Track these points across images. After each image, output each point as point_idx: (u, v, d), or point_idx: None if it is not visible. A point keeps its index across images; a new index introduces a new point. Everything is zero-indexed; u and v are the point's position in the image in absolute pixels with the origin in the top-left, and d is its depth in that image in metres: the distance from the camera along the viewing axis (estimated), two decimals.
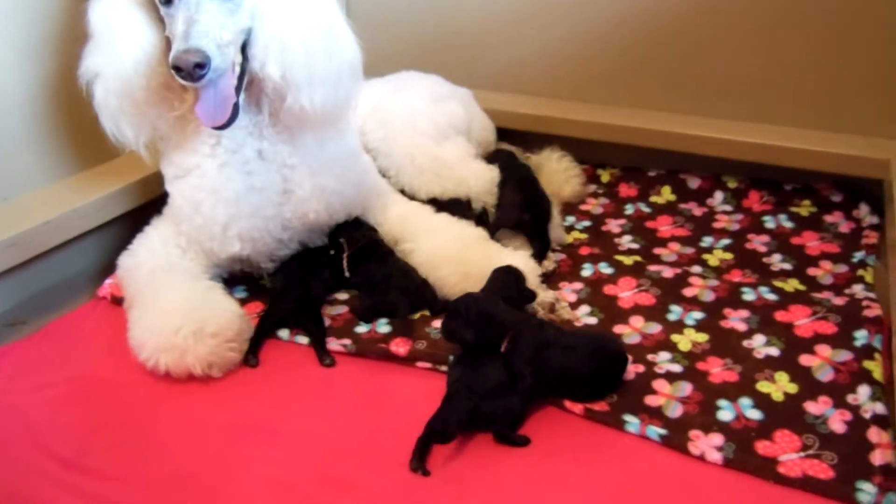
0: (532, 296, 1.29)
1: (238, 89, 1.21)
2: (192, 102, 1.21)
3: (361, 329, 1.32)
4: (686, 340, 1.26)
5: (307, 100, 1.24)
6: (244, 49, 1.22)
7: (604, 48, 1.84)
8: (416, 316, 1.34)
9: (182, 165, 1.32)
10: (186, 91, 1.25)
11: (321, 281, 1.39)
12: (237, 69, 1.21)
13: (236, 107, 1.20)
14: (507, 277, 1.28)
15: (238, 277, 1.46)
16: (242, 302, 1.38)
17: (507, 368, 1.12)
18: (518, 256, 1.38)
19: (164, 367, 1.21)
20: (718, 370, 1.19)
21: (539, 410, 1.14)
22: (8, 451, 1.12)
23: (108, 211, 1.52)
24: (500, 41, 1.95)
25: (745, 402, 1.12)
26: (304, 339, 1.31)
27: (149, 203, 1.55)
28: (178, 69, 1.11)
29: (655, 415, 1.11)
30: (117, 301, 1.42)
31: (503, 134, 1.91)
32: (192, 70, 1.11)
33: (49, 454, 1.11)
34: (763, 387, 1.15)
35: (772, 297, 1.35)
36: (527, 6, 1.88)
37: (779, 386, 1.15)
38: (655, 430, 1.08)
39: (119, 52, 1.20)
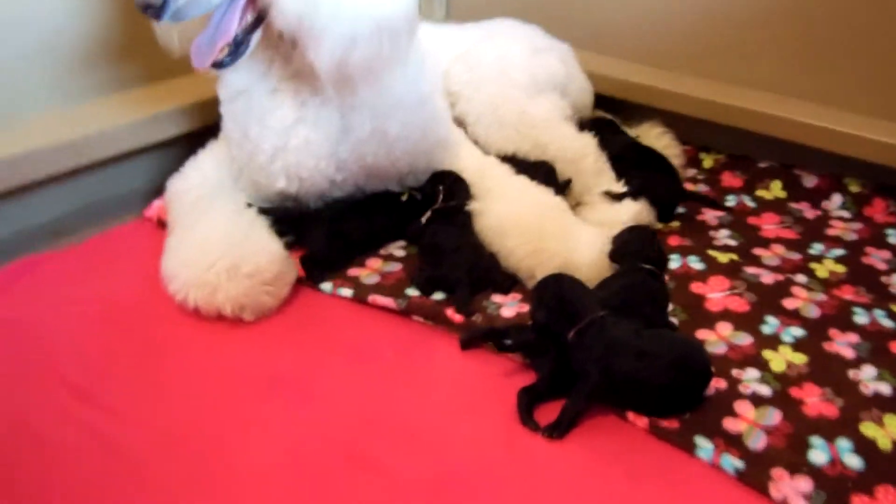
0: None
1: (253, 27, 1.10)
2: None
3: (413, 292, 1.20)
4: (780, 359, 1.09)
5: (313, 55, 1.09)
6: None
7: (722, 19, 1.64)
8: None
9: (234, 86, 1.21)
10: None
11: (366, 223, 1.29)
12: (259, 2, 1.09)
13: (240, 46, 1.09)
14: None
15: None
16: (288, 245, 1.27)
17: (568, 363, 0.99)
18: (597, 234, 1.23)
19: (194, 303, 1.12)
20: (815, 400, 1.02)
21: (596, 417, 0.99)
22: (19, 373, 1.05)
23: (165, 128, 1.45)
24: None
25: (843, 444, 0.95)
26: (348, 292, 1.20)
27: (210, 126, 1.46)
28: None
29: (734, 443, 0.95)
30: (163, 224, 1.33)
31: (600, 100, 1.74)
32: (143, 8, 0.98)
33: (61, 380, 1.03)
34: (868, 429, 0.97)
35: (888, 323, 1.16)
36: None
37: (888, 431, 0.97)
38: (731, 462, 0.92)
39: None
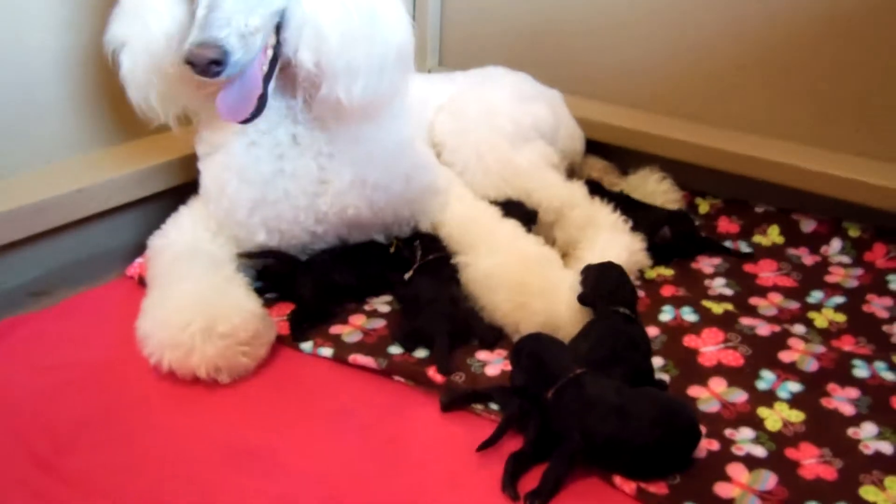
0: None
1: (269, 76, 1.09)
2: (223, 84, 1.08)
3: (395, 350, 1.16)
4: (776, 417, 1.04)
5: (344, 91, 1.10)
6: (278, 30, 1.09)
7: (718, 63, 1.62)
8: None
9: (211, 142, 1.21)
10: None
11: (353, 271, 1.26)
12: (270, 52, 1.09)
13: (263, 97, 1.08)
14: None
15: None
16: (270, 302, 1.24)
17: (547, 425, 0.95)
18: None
19: (168, 366, 1.09)
20: (812, 462, 0.97)
21: (581, 482, 0.94)
22: None
23: (149, 184, 1.43)
24: (600, 44, 1.75)
25: None
26: (328, 352, 1.17)
27: (192, 182, 1.44)
28: (191, 64, 0.99)
29: None
30: (145, 283, 1.31)
31: (593, 147, 1.72)
32: (206, 67, 0.98)
33: (27, 449, 0.99)
34: (868, 493, 0.92)
35: (890, 376, 1.11)
36: (634, 9, 1.68)
37: (889, 495, 0.92)
38: None
39: (149, 23, 1.09)
